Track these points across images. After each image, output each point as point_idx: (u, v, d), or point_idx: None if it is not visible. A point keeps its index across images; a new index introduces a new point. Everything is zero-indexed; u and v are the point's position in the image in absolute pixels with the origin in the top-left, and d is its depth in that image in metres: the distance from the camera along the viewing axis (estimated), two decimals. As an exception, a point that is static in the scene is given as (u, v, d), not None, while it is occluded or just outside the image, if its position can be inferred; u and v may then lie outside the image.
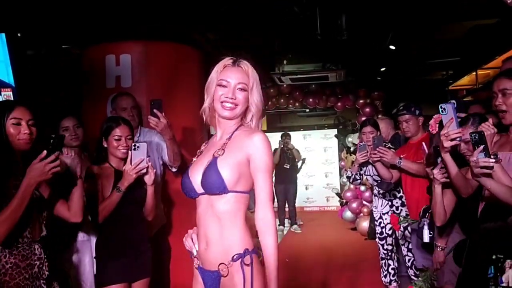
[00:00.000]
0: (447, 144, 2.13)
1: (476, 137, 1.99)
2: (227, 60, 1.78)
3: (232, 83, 1.72)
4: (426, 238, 2.76)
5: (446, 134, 2.12)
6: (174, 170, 3.24)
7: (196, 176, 1.73)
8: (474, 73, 6.15)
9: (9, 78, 3.77)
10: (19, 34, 4.45)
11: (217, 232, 1.69)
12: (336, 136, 9.80)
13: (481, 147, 1.95)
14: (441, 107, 2.15)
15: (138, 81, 3.38)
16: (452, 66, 7.57)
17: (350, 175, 4.32)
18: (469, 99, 6.68)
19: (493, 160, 1.92)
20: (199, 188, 1.72)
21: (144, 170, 2.51)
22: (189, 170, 1.78)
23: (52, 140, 2.01)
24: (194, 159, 1.83)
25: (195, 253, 1.78)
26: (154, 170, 2.61)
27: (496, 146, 2.23)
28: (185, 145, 3.44)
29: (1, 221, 1.93)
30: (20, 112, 2.10)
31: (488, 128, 2.17)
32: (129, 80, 3.37)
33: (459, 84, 7.08)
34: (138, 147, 2.50)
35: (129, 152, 2.50)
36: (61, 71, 4.93)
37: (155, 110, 2.82)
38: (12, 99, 3.67)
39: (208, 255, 1.71)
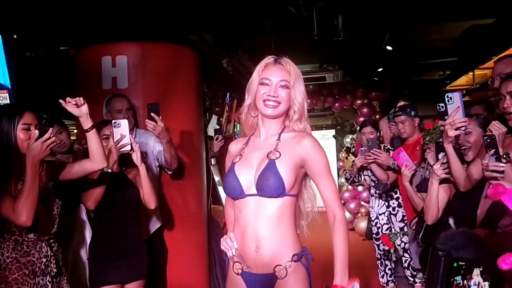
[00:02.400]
0: (452, 133, 2.12)
1: (488, 140, 2.00)
2: (269, 59, 1.78)
3: (274, 81, 1.72)
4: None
5: (451, 123, 2.10)
6: (169, 172, 3.23)
7: (245, 177, 1.71)
8: (471, 73, 6.15)
9: (5, 80, 3.76)
10: (15, 36, 4.43)
11: (270, 234, 1.67)
12: (334, 136, 9.78)
13: (492, 151, 1.97)
14: (448, 96, 2.15)
15: (134, 82, 3.36)
16: (449, 66, 7.58)
17: (348, 177, 4.32)
18: (467, 99, 6.69)
19: (503, 165, 1.94)
20: (248, 189, 1.70)
21: (128, 147, 2.51)
22: (236, 170, 1.74)
23: (44, 121, 2.07)
24: (237, 159, 1.79)
25: (234, 253, 1.73)
26: (138, 145, 2.60)
27: (501, 145, 2.22)
28: (182, 146, 3.43)
29: (21, 205, 1.98)
30: (29, 117, 2.15)
31: (498, 127, 2.16)
32: (125, 82, 3.35)
33: (456, 84, 7.08)
34: (118, 124, 2.52)
35: (111, 130, 2.52)
36: (59, 73, 4.91)
37: (152, 114, 2.81)
38: (8, 101, 3.66)
39: (260, 257, 1.67)
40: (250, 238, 1.68)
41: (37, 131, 2.05)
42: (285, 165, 1.67)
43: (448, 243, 1.75)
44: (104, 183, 2.49)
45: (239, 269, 1.72)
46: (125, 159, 2.64)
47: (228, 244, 1.75)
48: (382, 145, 4.06)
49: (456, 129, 2.10)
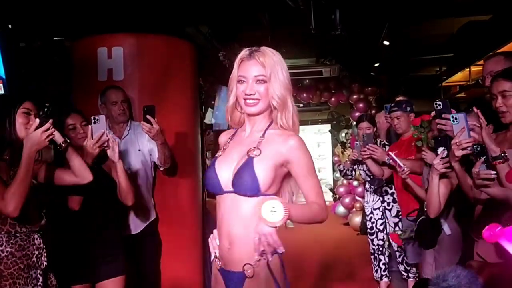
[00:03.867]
0: (459, 153, 2.15)
1: (478, 148, 2.02)
2: (244, 53, 1.69)
3: (249, 78, 1.65)
4: (448, 231, 2.78)
5: (458, 143, 2.14)
6: (161, 169, 3.21)
7: (224, 173, 1.66)
8: (468, 69, 6.16)
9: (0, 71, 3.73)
10: (10, 26, 4.39)
11: (242, 232, 1.62)
12: (330, 131, 9.81)
13: (482, 158, 1.98)
14: (453, 117, 2.18)
15: (130, 74, 3.34)
16: (445, 62, 7.59)
17: (342, 169, 4.33)
18: (462, 95, 6.70)
19: (494, 172, 1.95)
20: (226, 186, 1.65)
21: (106, 144, 2.44)
22: (216, 165, 1.70)
23: (46, 109, 2.09)
24: (219, 153, 1.75)
25: (217, 255, 1.72)
26: (116, 140, 2.55)
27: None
28: (177, 139, 3.42)
29: (11, 194, 1.97)
30: (30, 104, 2.14)
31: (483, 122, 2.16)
32: (121, 74, 3.32)
33: (452, 80, 7.09)
34: (97, 120, 2.43)
35: (89, 126, 2.43)
36: (54, 64, 4.88)
37: (148, 116, 2.79)
38: (2, 91, 3.63)
39: (231, 255, 1.65)
40: (224, 235, 1.67)
41: (37, 120, 2.03)
42: (264, 164, 1.61)
43: (439, 284, 1.73)
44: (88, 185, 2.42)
45: (217, 265, 1.73)
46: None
47: (213, 245, 1.75)
48: (378, 140, 4.07)
49: (463, 149, 2.13)
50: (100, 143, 2.42)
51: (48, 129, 2.03)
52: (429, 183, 2.55)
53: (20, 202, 1.98)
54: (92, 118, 2.43)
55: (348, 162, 4.17)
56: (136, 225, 3.09)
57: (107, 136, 2.44)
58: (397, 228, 4.01)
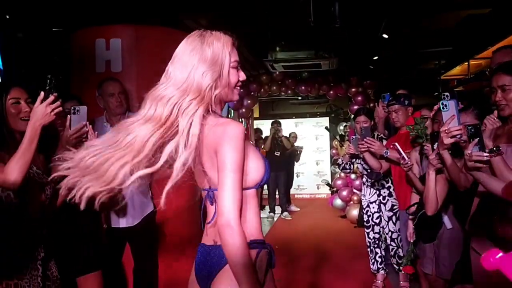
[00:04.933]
0: (447, 141, 2.14)
1: (472, 130, 1.98)
2: (231, 37, 1.57)
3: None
4: (449, 225, 2.77)
5: (447, 131, 2.12)
6: None
7: None
8: (466, 63, 6.16)
9: (-3, 61, 3.72)
10: (7, 17, 4.37)
11: None
12: (326, 128, 9.81)
13: (476, 140, 1.95)
14: (443, 104, 2.14)
15: (128, 66, 3.34)
16: (444, 55, 7.58)
17: (340, 163, 4.34)
18: (461, 89, 6.70)
19: (487, 154, 1.92)
20: None
21: (84, 136, 2.34)
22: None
23: (48, 81, 1.99)
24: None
25: None
26: (96, 133, 2.44)
27: (492, 137, 2.23)
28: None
29: (15, 162, 1.92)
30: (17, 92, 2.10)
31: (493, 122, 2.15)
32: (119, 65, 3.32)
33: (451, 74, 7.09)
34: (78, 110, 2.32)
35: (68, 116, 2.32)
36: (52, 54, 4.86)
37: None
38: (-1, 81, 3.63)
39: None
40: None
41: (42, 93, 1.97)
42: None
43: None
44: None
45: None
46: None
47: None
48: (375, 133, 4.07)
49: (452, 137, 2.11)
50: (78, 134, 2.33)
51: (53, 102, 1.97)
52: (426, 179, 2.55)
53: (23, 173, 1.93)
54: (72, 108, 2.33)
55: (347, 156, 4.17)
56: (133, 218, 3.10)
57: (87, 128, 2.35)
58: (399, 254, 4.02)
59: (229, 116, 9.05)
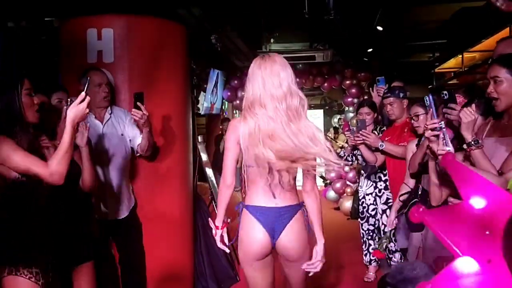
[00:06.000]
0: (428, 133, 2.18)
1: (446, 95, 2.19)
2: None
3: None
4: None
5: (426, 125, 2.19)
6: (137, 154, 3.18)
7: None
8: (460, 56, 6.16)
9: (-13, 50, 3.66)
10: (-3, 5, 4.29)
11: None
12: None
13: (432, 110, 2.10)
14: (425, 99, 2.24)
15: (120, 56, 3.29)
16: (438, 48, 7.59)
17: (343, 155, 4.32)
18: (455, 82, 6.72)
19: (438, 120, 2.09)
20: None
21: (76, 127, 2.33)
22: None
23: (87, 83, 2.20)
24: None
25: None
26: (88, 124, 2.50)
27: (487, 131, 2.22)
28: (168, 122, 3.39)
29: (60, 159, 2.01)
30: (29, 83, 2.13)
31: (467, 115, 2.12)
32: (111, 56, 3.27)
33: (445, 66, 7.10)
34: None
35: (64, 108, 2.35)
36: (43, 44, 4.80)
37: (139, 103, 2.77)
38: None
39: None
40: None
41: (83, 93, 2.06)
42: None
43: (396, 277, 1.71)
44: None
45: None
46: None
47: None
48: (378, 127, 4.03)
49: (432, 129, 2.14)
50: None
51: (83, 100, 2.07)
52: (429, 171, 2.55)
53: (65, 171, 2.03)
54: (69, 100, 2.31)
55: (348, 148, 4.16)
56: (123, 210, 3.09)
57: None
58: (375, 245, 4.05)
59: (224, 107, 9.00)
